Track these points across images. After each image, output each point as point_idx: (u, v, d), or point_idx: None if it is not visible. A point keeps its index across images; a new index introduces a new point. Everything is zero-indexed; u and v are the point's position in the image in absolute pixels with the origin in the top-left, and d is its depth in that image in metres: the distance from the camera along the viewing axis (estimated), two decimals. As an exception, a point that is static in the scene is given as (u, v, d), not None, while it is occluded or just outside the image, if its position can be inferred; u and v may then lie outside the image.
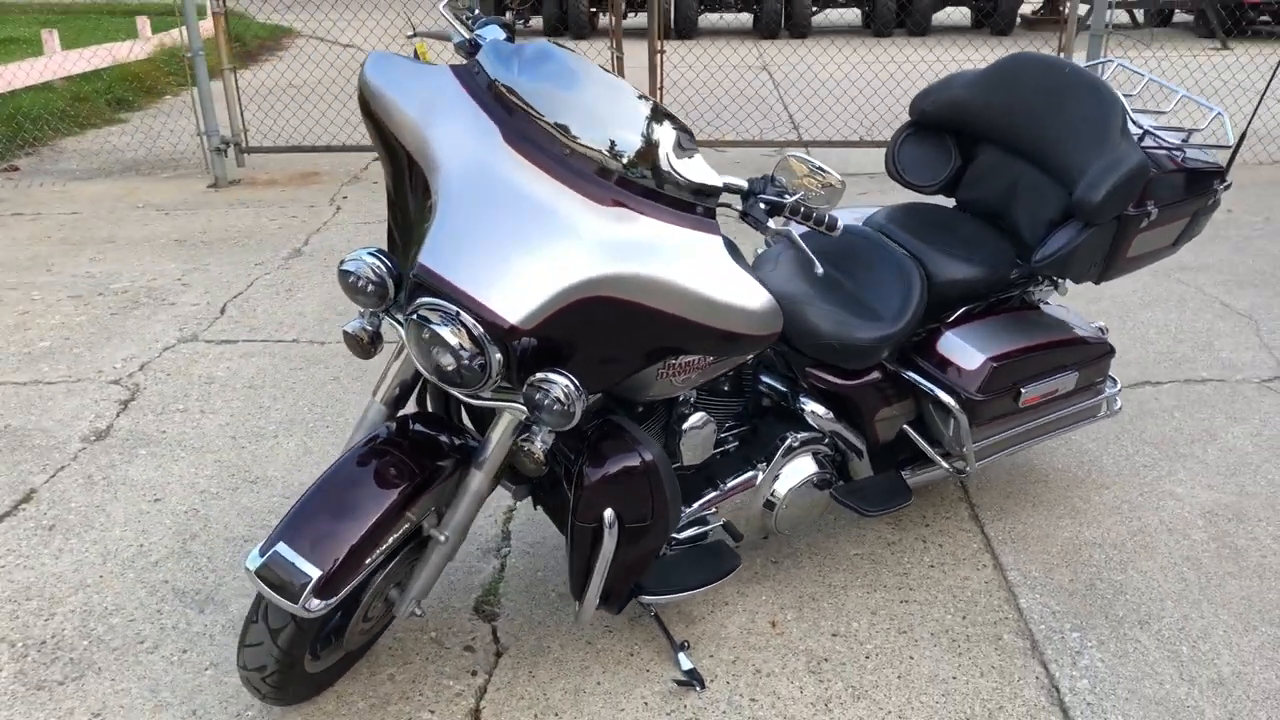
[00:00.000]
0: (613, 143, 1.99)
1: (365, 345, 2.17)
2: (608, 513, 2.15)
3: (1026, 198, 2.82)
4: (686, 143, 2.04)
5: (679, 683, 2.44)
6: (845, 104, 8.13)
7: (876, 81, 8.49)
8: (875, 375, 2.69)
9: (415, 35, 2.37)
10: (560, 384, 1.94)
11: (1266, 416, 3.70)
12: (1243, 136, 2.95)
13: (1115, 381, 3.08)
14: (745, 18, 15.97)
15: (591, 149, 1.98)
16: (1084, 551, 2.95)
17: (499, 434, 2.14)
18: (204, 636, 2.59)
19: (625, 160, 1.98)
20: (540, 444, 2.04)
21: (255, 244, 5.63)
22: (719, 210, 2.09)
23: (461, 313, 1.91)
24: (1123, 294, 4.82)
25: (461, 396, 2.05)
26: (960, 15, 16.97)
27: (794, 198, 2.02)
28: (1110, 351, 2.93)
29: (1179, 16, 16.53)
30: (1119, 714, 2.37)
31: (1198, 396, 3.87)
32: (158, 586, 2.78)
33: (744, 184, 2.06)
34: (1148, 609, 2.72)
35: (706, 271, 1.99)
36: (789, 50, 12.97)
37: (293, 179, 7.03)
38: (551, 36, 14.39)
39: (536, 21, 15.18)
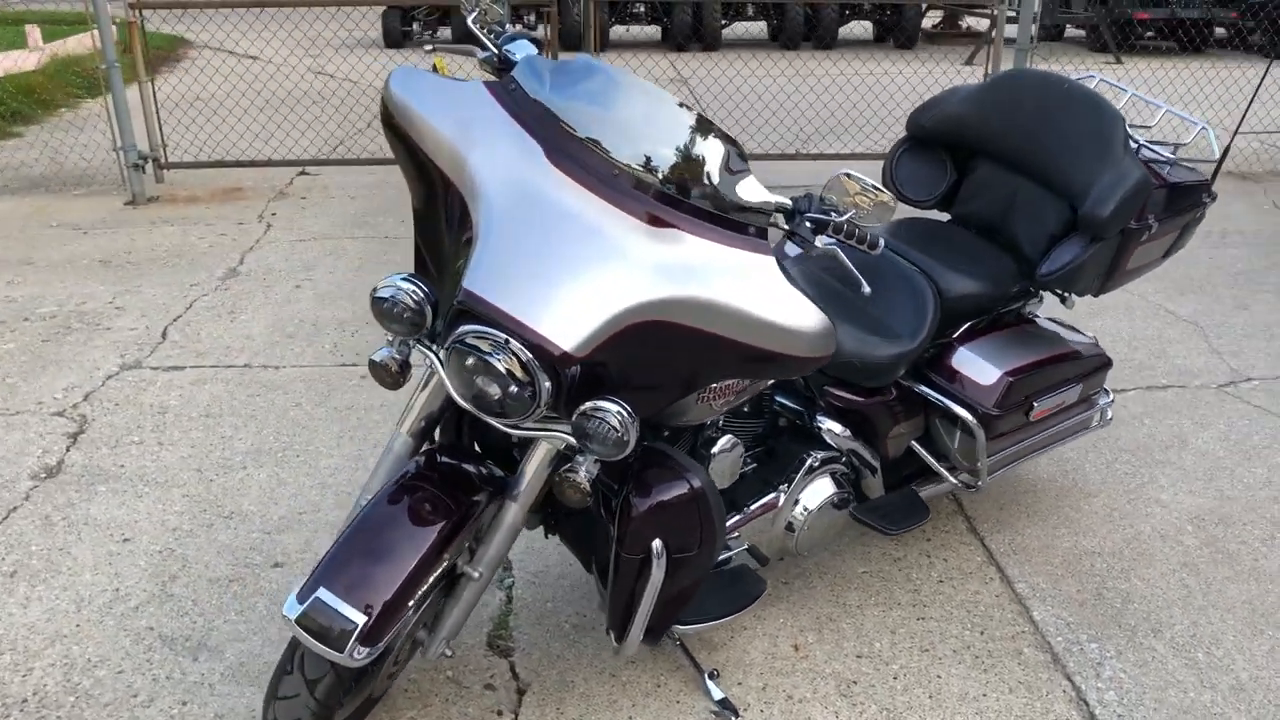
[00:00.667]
0: (661, 161, 1.92)
1: (394, 375, 2.05)
2: (655, 543, 2.08)
3: (1026, 212, 2.84)
4: (736, 161, 1.98)
5: (714, 713, 2.38)
6: (782, 116, 8.17)
7: (804, 94, 8.56)
8: (890, 392, 2.67)
9: (434, 49, 2.26)
10: (614, 411, 1.86)
11: (1231, 421, 3.81)
12: (1226, 150, 3.02)
13: (1108, 393, 3.12)
14: (653, 30, 16.03)
15: (638, 168, 1.91)
16: (1085, 561, 2.98)
17: (536, 465, 2.05)
18: (202, 686, 2.43)
19: (673, 179, 1.92)
20: (585, 474, 1.96)
21: (187, 264, 5.39)
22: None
23: (510, 340, 1.82)
24: (1071, 303, 4.92)
25: (501, 427, 1.96)
26: (864, 29, 17.30)
27: (844, 216, 1.98)
28: (1108, 364, 2.97)
29: (1070, 32, 17.12)
30: (1151, 725, 2.39)
31: (1162, 403, 3.96)
32: (142, 634, 2.60)
33: (789, 203, 2.02)
34: (1157, 617, 2.75)
35: (761, 293, 1.93)
36: (701, 63, 13.04)
37: (215, 195, 6.76)
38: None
39: (445, 33, 14.98)
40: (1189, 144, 2.96)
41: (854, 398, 2.61)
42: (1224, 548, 3.05)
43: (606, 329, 1.83)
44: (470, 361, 1.85)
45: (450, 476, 2.07)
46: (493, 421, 1.95)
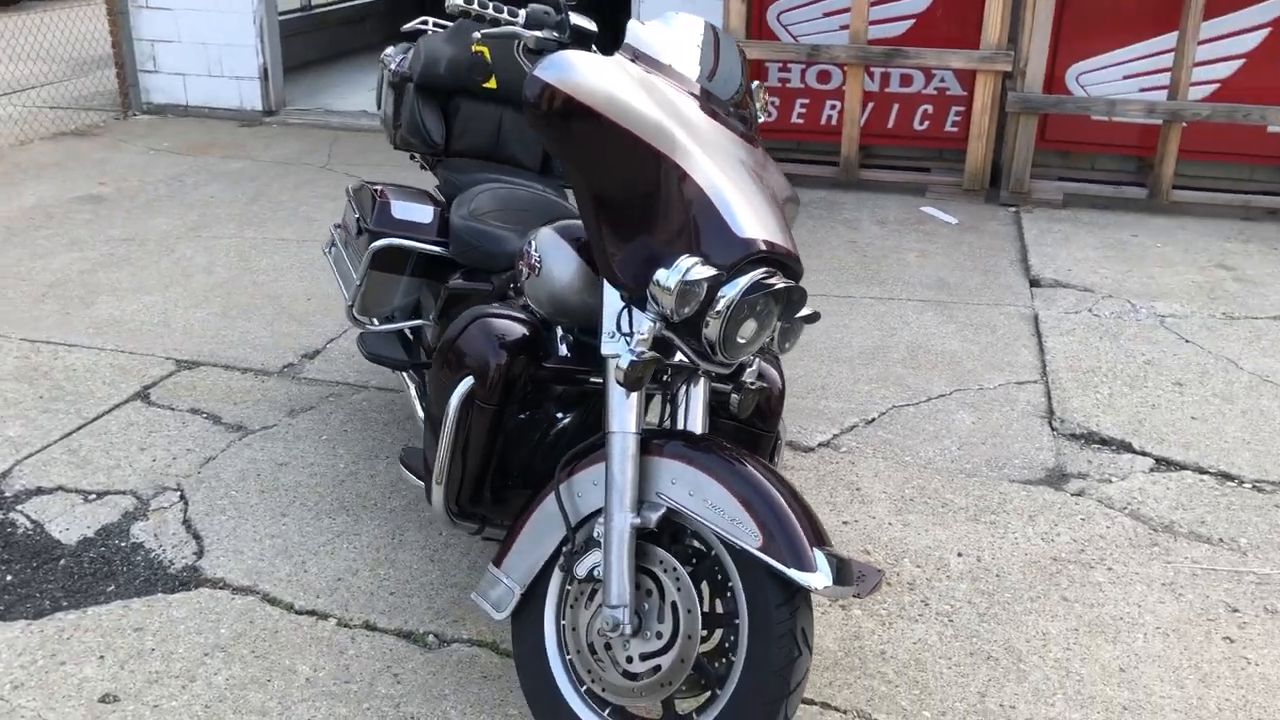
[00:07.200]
0: (737, 94, 2.27)
1: (649, 366, 2.01)
2: None
3: (515, 134, 3.38)
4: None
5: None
6: None
7: None
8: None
9: (483, 37, 1.89)
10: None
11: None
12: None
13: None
14: None
15: (733, 106, 2.24)
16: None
17: (705, 394, 2.24)
18: None
19: (746, 108, 2.30)
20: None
21: None
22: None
23: (778, 271, 2.10)
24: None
25: (732, 362, 2.14)
26: None
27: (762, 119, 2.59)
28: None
29: None
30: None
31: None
32: None
33: None
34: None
35: None
36: None
37: None
38: None
39: None
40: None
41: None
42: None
43: None
44: (752, 304, 2.04)
45: (685, 437, 2.14)
46: (716, 363, 2.11)
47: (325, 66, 9.44)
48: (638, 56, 2.08)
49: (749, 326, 2.04)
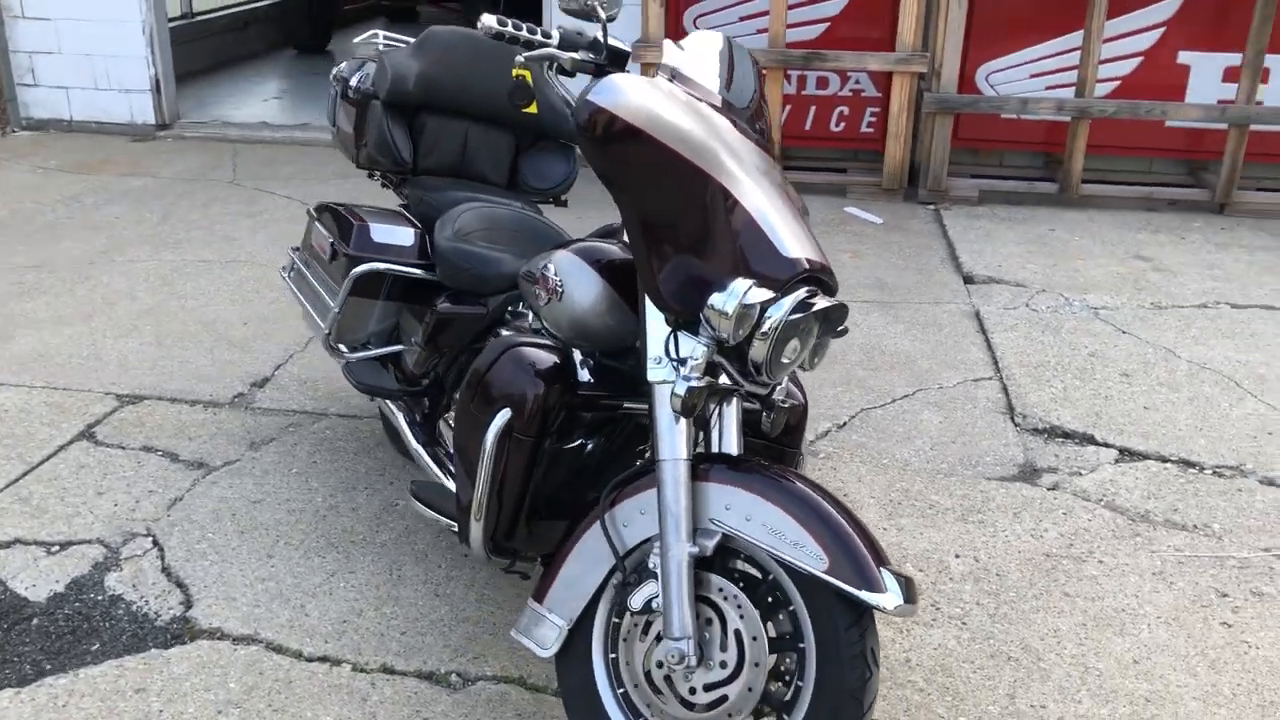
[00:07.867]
0: (754, 102, 2.26)
1: (706, 393, 1.98)
2: None
3: (482, 149, 3.30)
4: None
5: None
6: None
7: None
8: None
9: (525, 60, 1.82)
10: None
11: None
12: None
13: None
14: None
15: (755, 117, 2.23)
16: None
17: (738, 414, 2.23)
18: None
19: (765, 120, 2.28)
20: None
21: None
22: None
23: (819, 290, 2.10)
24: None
25: (767, 383, 2.13)
26: None
27: None
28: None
29: None
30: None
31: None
32: None
33: None
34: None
35: None
36: None
37: None
38: None
39: None
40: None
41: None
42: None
43: None
44: (796, 324, 2.03)
45: (732, 460, 2.12)
46: (759, 383, 2.10)
47: (213, 76, 9.10)
48: (675, 76, 2.05)
49: (792, 346, 2.03)
